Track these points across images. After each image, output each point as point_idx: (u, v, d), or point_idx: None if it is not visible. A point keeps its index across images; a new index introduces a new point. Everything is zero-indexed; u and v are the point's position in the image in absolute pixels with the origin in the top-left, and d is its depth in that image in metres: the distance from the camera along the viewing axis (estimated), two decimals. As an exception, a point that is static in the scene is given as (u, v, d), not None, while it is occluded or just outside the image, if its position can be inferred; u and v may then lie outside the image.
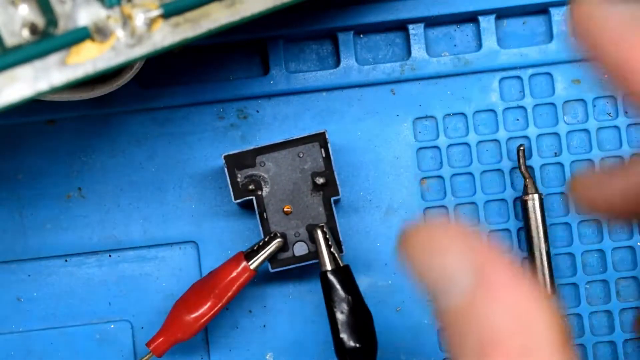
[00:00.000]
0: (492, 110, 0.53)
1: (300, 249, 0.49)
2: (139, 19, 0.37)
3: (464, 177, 0.53)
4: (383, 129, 0.53)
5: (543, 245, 0.51)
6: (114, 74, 0.44)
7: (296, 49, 0.53)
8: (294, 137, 0.49)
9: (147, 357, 0.50)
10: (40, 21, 0.36)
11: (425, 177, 0.53)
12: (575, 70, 0.53)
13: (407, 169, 0.53)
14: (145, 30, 0.37)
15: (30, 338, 0.52)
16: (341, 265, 0.47)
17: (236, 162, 0.49)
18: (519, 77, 0.53)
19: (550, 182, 0.53)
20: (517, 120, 0.53)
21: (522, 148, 0.51)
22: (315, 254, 0.49)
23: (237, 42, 0.53)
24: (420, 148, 0.53)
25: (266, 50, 0.53)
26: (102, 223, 0.53)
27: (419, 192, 0.53)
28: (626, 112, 0.53)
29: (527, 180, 0.51)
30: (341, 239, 0.49)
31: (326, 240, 0.47)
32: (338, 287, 0.47)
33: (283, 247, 0.49)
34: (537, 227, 0.51)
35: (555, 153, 0.53)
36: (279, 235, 0.49)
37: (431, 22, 0.53)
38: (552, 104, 0.53)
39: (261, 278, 0.52)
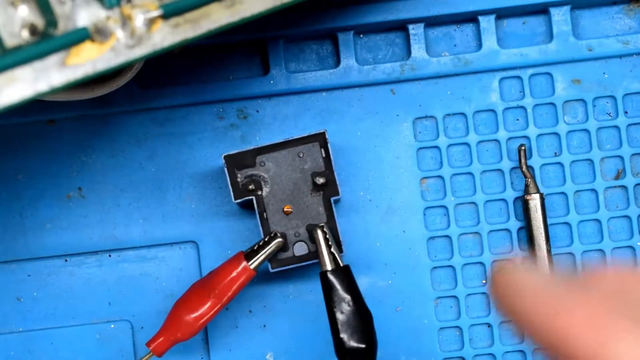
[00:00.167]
0: (492, 110, 0.53)
1: (300, 249, 0.49)
2: (139, 20, 0.37)
3: (464, 177, 0.53)
4: (383, 129, 0.53)
5: (544, 245, 0.51)
6: (114, 74, 0.44)
7: (296, 49, 0.53)
8: (294, 137, 0.49)
9: (147, 357, 0.50)
10: (39, 22, 0.36)
11: (425, 177, 0.53)
12: (575, 70, 0.53)
13: (407, 169, 0.53)
14: (145, 31, 0.37)
15: (30, 338, 0.52)
16: (341, 265, 0.47)
17: (236, 162, 0.49)
18: (519, 77, 0.53)
19: (550, 182, 0.53)
20: (517, 120, 0.53)
21: (523, 148, 0.51)
22: (315, 254, 0.49)
23: (237, 42, 0.53)
24: (420, 148, 0.53)
25: (266, 50, 0.53)
26: (102, 223, 0.53)
27: (419, 192, 0.53)
28: (626, 112, 0.53)
29: (529, 180, 0.51)
30: (341, 239, 0.49)
31: (326, 240, 0.47)
32: (338, 287, 0.47)
33: (283, 247, 0.49)
34: (538, 227, 0.51)
35: (555, 153, 0.53)
36: (279, 235, 0.49)
37: (431, 22, 0.53)
38: (552, 104, 0.53)
39: (261, 278, 0.52)
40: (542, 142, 0.53)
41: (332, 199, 0.49)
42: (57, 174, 0.53)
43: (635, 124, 0.53)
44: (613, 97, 0.53)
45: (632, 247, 0.52)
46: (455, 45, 0.53)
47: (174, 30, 0.38)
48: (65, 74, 0.36)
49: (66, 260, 0.53)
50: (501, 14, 0.53)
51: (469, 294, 0.52)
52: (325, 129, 0.49)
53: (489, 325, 0.52)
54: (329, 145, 0.49)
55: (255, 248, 0.49)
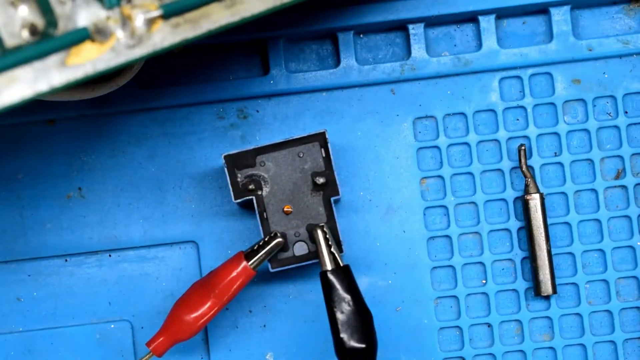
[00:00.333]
0: (492, 110, 0.53)
1: (300, 249, 0.49)
2: (139, 20, 0.37)
3: (464, 177, 0.53)
4: (383, 129, 0.53)
5: (544, 245, 0.51)
6: (114, 74, 0.44)
7: (296, 49, 0.53)
8: (294, 137, 0.49)
9: (147, 357, 0.50)
10: (40, 22, 0.36)
11: (425, 177, 0.53)
12: (575, 70, 0.53)
13: (407, 169, 0.53)
14: (145, 31, 0.37)
15: (30, 338, 0.52)
16: (341, 265, 0.47)
17: (236, 162, 0.49)
18: (519, 77, 0.53)
19: (550, 182, 0.53)
20: (517, 120, 0.53)
21: (523, 148, 0.51)
22: (315, 254, 0.49)
23: (237, 42, 0.53)
24: (420, 148, 0.53)
25: (266, 50, 0.53)
26: (102, 223, 0.53)
27: (419, 192, 0.53)
28: (626, 112, 0.53)
29: (529, 179, 0.51)
30: (341, 239, 0.49)
31: (326, 240, 0.47)
32: (338, 287, 0.47)
33: (283, 247, 0.49)
34: (538, 227, 0.51)
35: (555, 153, 0.53)
36: (279, 235, 0.49)
37: (431, 22, 0.53)
38: (552, 103, 0.53)
39: (261, 278, 0.52)
40: (542, 142, 0.53)
41: (332, 199, 0.49)
42: (57, 174, 0.53)
43: (635, 124, 0.53)
44: (613, 97, 0.53)
45: (632, 247, 0.52)
46: (455, 45, 0.53)
47: (174, 30, 0.38)
48: (65, 74, 0.36)
49: (66, 260, 0.53)
50: (501, 14, 0.53)
51: (469, 294, 0.52)
52: (325, 129, 0.49)
53: (489, 325, 0.52)
54: (329, 145, 0.49)
55: (255, 248, 0.49)
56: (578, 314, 0.52)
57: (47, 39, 0.36)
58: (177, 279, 0.53)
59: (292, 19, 0.52)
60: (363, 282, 0.52)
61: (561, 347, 0.52)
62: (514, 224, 0.52)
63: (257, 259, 0.48)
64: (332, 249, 0.47)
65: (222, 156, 0.49)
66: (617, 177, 0.53)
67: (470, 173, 0.53)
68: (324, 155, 0.49)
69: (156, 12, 0.37)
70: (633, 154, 0.52)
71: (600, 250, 0.52)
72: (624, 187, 0.53)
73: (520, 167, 0.52)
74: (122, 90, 0.47)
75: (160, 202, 0.53)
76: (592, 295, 0.52)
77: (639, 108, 0.53)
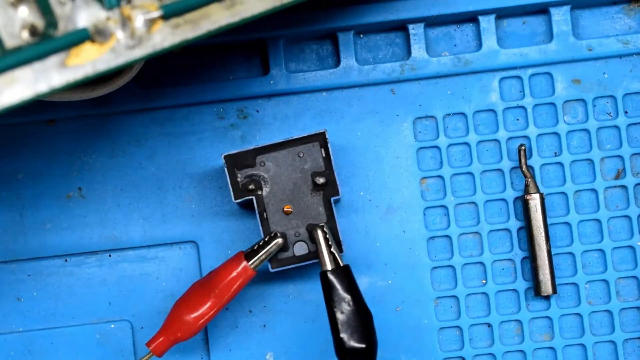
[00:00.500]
0: (492, 110, 0.53)
1: (300, 249, 0.49)
2: (139, 20, 0.37)
3: (464, 177, 0.53)
4: (383, 129, 0.53)
5: (544, 245, 0.51)
6: (114, 74, 0.44)
7: (296, 49, 0.53)
8: (294, 137, 0.49)
9: (147, 357, 0.50)
10: (40, 23, 0.36)
11: (425, 177, 0.53)
12: (575, 70, 0.53)
13: (407, 169, 0.53)
14: (145, 32, 0.37)
15: (30, 338, 0.52)
16: (341, 265, 0.47)
17: (236, 162, 0.49)
18: (519, 77, 0.53)
19: (550, 182, 0.53)
20: (517, 120, 0.53)
21: (523, 148, 0.51)
22: (315, 254, 0.49)
23: (237, 42, 0.53)
24: (420, 148, 0.53)
25: (266, 50, 0.53)
26: (102, 223, 0.53)
27: (419, 192, 0.53)
28: (626, 112, 0.53)
29: (529, 179, 0.51)
30: (341, 239, 0.49)
31: (326, 240, 0.47)
32: (338, 287, 0.47)
33: (283, 247, 0.49)
34: (538, 227, 0.51)
35: (555, 153, 0.53)
36: (279, 235, 0.49)
37: (431, 22, 0.53)
38: (552, 103, 0.53)
39: (261, 278, 0.52)
40: (542, 142, 0.53)
41: (332, 199, 0.49)
42: (57, 174, 0.53)
43: (635, 124, 0.53)
44: (613, 97, 0.53)
45: (632, 247, 0.52)
46: (455, 45, 0.53)
47: (174, 30, 0.38)
48: (65, 74, 0.36)
49: (66, 260, 0.53)
50: (501, 14, 0.53)
51: (469, 294, 0.52)
52: (325, 129, 0.49)
53: (489, 325, 0.52)
54: (329, 145, 0.49)
55: (255, 248, 0.49)
56: (578, 314, 0.52)
57: (47, 40, 0.36)
58: (177, 279, 0.53)
59: (292, 19, 0.52)
60: (363, 282, 0.52)
61: (561, 347, 0.52)
62: (514, 224, 0.52)
63: (257, 259, 0.48)
64: (332, 249, 0.47)
65: (222, 156, 0.49)
66: (617, 177, 0.53)
67: (470, 173, 0.53)
68: (324, 155, 0.49)
69: (156, 13, 0.37)
70: (633, 154, 0.52)
71: (600, 250, 0.52)
72: (624, 187, 0.53)
73: (520, 167, 0.52)
74: (122, 90, 0.47)
75: (160, 202, 0.53)
76: (592, 295, 0.52)
77: (639, 108, 0.53)
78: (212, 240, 0.53)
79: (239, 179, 0.49)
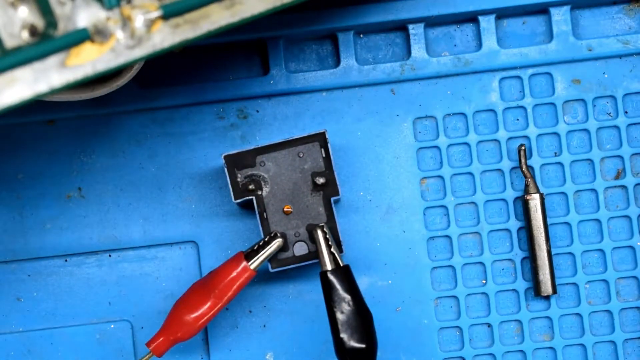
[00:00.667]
0: (492, 110, 0.53)
1: (300, 249, 0.49)
2: (139, 21, 0.37)
3: (464, 177, 0.53)
4: (383, 129, 0.53)
5: (544, 245, 0.51)
6: (114, 74, 0.44)
7: (296, 49, 0.53)
8: (294, 137, 0.49)
9: (147, 357, 0.50)
10: (39, 23, 0.36)
11: (425, 177, 0.53)
12: (575, 70, 0.53)
13: (407, 169, 0.53)
14: (144, 32, 0.37)
15: (30, 338, 0.52)
16: (341, 265, 0.47)
17: (236, 162, 0.49)
18: (519, 77, 0.53)
19: (550, 182, 0.53)
20: (517, 120, 0.53)
21: (523, 148, 0.51)
22: (315, 254, 0.49)
23: (237, 42, 0.53)
24: (420, 148, 0.53)
25: (266, 50, 0.53)
26: (102, 223, 0.53)
27: (419, 192, 0.53)
28: (626, 112, 0.53)
29: (529, 179, 0.51)
30: (341, 239, 0.49)
31: (326, 240, 0.47)
32: (338, 287, 0.47)
33: (283, 247, 0.49)
34: (538, 227, 0.51)
35: (555, 153, 0.53)
36: (279, 235, 0.49)
37: (431, 22, 0.53)
38: (552, 104, 0.53)
39: (261, 278, 0.52)
40: (542, 142, 0.53)
41: (332, 199, 0.49)
42: (57, 174, 0.53)
43: (635, 124, 0.53)
44: (613, 97, 0.53)
45: (632, 247, 0.52)
46: (455, 45, 0.53)
47: (174, 30, 0.38)
48: (65, 74, 0.36)
49: (66, 260, 0.53)
50: (501, 14, 0.53)
51: (469, 294, 0.52)
52: (325, 129, 0.49)
53: (489, 325, 0.52)
54: (329, 145, 0.49)
55: (255, 248, 0.49)
56: (578, 314, 0.52)
57: (47, 40, 0.36)
58: (177, 279, 0.53)
59: (292, 19, 0.52)
60: (363, 282, 0.52)
61: (561, 347, 0.52)
62: (514, 224, 0.52)
63: (257, 259, 0.48)
64: (332, 249, 0.47)
65: (222, 156, 0.49)
66: (617, 177, 0.53)
67: (470, 173, 0.53)
68: (324, 155, 0.49)
69: (156, 13, 0.37)
70: (633, 154, 0.52)
71: (600, 250, 0.52)
72: (624, 187, 0.53)
73: (520, 167, 0.52)
74: (122, 90, 0.47)
75: (160, 202, 0.53)
76: (592, 295, 0.52)
77: (639, 108, 0.53)
78: (212, 240, 0.53)
79: (239, 179, 0.49)
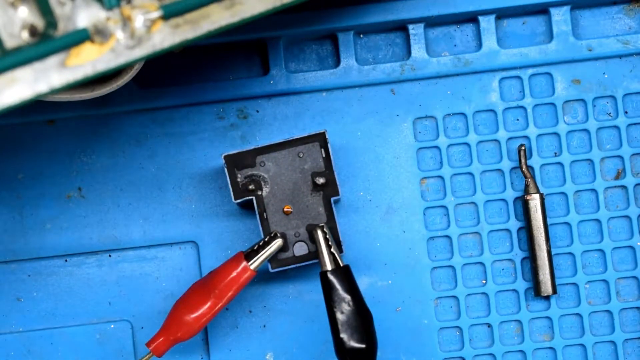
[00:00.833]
0: (492, 110, 0.53)
1: (300, 249, 0.49)
2: (139, 21, 0.37)
3: (464, 177, 0.53)
4: (383, 129, 0.53)
5: (544, 245, 0.51)
6: (114, 74, 0.44)
7: (296, 49, 0.53)
8: (294, 137, 0.49)
9: (147, 357, 0.50)
10: (39, 23, 0.36)
11: (425, 177, 0.53)
12: (575, 70, 0.53)
13: (407, 169, 0.53)
14: (144, 32, 0.37)
15: (30, 338, 0.52)
16: (341, 265, 0.47)
17: (236, 162, 0.49)
18: (519, 77, 0.53)
19: (550, 182, 0.53)
20: (517, 120, 0.53)
21: (523, 148, 0.51)
22: (315, 254, 0.49)
23: (237, 42, 0.53)
24: (420, 148, 0.53)
25: (266, 50, 0.53)
26: (102, 223, 0.53)
27: (419, 192, 0.53)
28: (626, 112, 0.53)
29: (529, 180, 0.51)
30: (341, 239, 0.49)
31: (326, 240, 0.47)
32: (338, 287, 0.47)
33: (283, 247, 0.49)
34: (538, 227, 0.51)
35: (555, 153, 0.53)
36: (279, 235, 0.49)
37: (431, 22, 0.53)
38: (552, 104, 0.53)
39: (261, 278, 0.52)
40: (542, 142, 0.53)
41: (332, 199, 0.49)
42: (57, 174, 0.53)
43: (635, 124, 0.53)
44: (613, 97, 0.53)
45: (632, 247, 0.52)
46: (455, 45, 0.53)
47: (174, 31, 0.38)
48: (65, 74, 0.36)
49: (66, 260, 0.53)
50: (501, 14, 0.53)
51: (469, 294, 0.52)
52: (325, 129, 0.49)
53: (489, 325, 0.52)
54: (329, 145, 0.49)
55: (255, 248, 0.49)
56: (578, 314, 0.52)
57: (47, 40, 0.36)
58: (177, 279, 0.53)
59: (292, 19, 0.52)
60: (363, 282, 0.52)
61: (561, 347, 0.52)
62: (514, 224, 0.52)
63: (257, 259, 0.48)
64: (332, 249, 0.47)
65: (222, 156, 0.49)
66: (617, 177, 0.53)
67: (470, 173, 0.53)
68: (324, 155, 0.49)
69: (156, 13, 0.37)
70: (633, 154, 0.52)
71: (600, 250, 0.52)
72: (624, 187, 0.53)
73: (520, 167, 0.52)
74: (122, 90, 0.47)
75: (160, 202, 0.53)
76: (592, 295, 0.52)
77: (639, 108, 0.53)
78: (212, 241, 0.53)
79: (239, 179, 0.49)
